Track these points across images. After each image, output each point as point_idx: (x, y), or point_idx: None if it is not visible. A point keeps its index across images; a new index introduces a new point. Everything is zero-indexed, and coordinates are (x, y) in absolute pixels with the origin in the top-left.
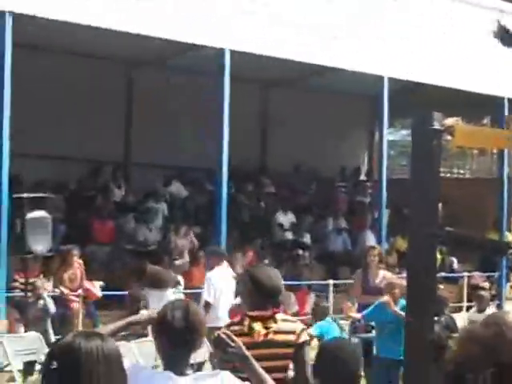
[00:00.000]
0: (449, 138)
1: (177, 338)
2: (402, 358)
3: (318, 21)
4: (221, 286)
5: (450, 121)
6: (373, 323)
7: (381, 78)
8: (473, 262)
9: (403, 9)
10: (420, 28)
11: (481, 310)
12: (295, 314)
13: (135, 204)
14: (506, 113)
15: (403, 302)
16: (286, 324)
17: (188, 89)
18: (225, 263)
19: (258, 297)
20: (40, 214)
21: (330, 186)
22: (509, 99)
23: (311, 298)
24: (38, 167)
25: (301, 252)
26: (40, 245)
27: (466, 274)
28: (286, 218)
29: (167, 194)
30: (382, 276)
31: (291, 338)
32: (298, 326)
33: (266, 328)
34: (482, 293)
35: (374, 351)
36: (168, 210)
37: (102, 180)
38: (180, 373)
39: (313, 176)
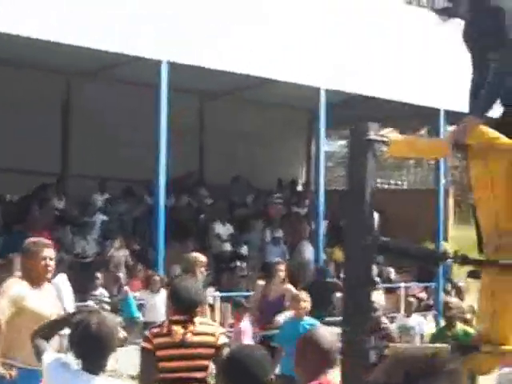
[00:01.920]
0: (385, 148)
1: (79, 346)
2: None
3: (254, 33)
4: None
5: (385, 131)
6: None
7: (317, 90)
8: (410, 273)
9: (339, 22)
10: (355, 40)
11: (408, 315)
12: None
13: (73, 217)
14: (442, 124)
15: (309, 320)
16: (205, 327)
17: (126, 100)
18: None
19: (176, 307)
20: None
21: (267, 197)
22: (445, 110)
23: None
24: None
25: (238, 263)
26: None
27: (403, 284)
28: (223, 230)
29: (104, 206)
30: (285, 290)
31: (210, 339)
32: (217, 329)
33: (185, 329)
34: (411, 299)
35: (278, 370)
36: (105, 222)
37: (41, 192)
38: (94, 372)
39: (250, 187)
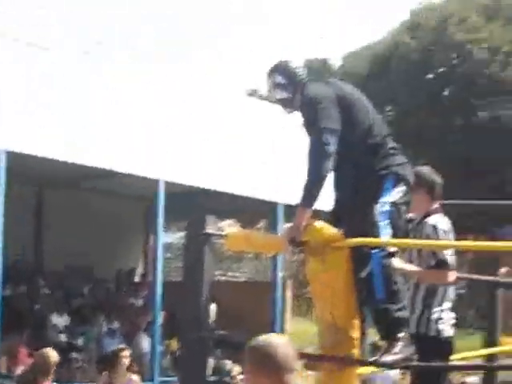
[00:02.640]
0: (222, 241)
1: None
2: None
3: (87, 124)
4: None
5: (223, 225)
6: None
7: (156, 181)
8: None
9: (173, 112)
10: (197, 134)
11: None
12: None
13: None
14: (281, 217)
15: None
16: None
17: None
18: None
19: None
20: None
21: (104, 287)
22: (283, 204)
23: None
24: None
25: (74, 355)
26: None
27: (241, 376)
28: (60, 320)
29: None
30: (129, 381)
31: None
32: None
33: None
34: None
35: None
36: None
37: None
38: None
39: (88, 277)
